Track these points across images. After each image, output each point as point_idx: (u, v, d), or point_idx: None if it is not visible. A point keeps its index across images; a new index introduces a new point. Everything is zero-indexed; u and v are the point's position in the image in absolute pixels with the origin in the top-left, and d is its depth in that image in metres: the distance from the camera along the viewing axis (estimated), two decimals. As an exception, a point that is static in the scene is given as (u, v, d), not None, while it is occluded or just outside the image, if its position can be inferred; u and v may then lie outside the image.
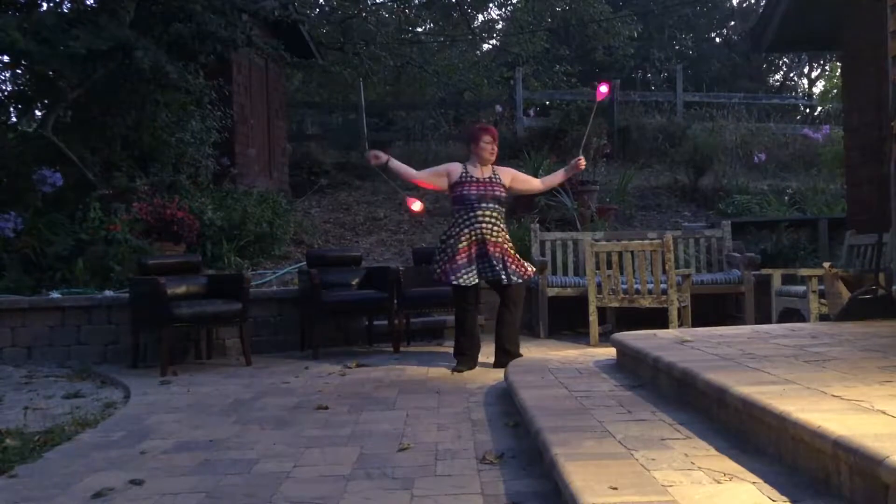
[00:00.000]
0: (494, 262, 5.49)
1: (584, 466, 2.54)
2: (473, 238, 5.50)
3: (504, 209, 5.70)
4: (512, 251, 5.64)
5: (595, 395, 3.80)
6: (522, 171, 6.48)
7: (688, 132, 12.08)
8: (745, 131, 12.40)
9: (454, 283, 5.47)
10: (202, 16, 7.69)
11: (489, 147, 5.63)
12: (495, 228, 5.54)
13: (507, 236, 5.68)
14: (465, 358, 5.57)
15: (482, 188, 5.55)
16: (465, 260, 5.49)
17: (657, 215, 9.99)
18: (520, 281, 5.59)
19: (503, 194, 5.65)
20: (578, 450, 2.76)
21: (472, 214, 5.50)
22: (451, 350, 5.76)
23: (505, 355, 5.51)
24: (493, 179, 5.63)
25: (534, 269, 5.84)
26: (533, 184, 6.02)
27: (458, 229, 5.53)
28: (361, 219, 10.28)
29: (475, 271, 5.50)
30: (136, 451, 3.58)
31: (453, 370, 5.51)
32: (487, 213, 5.52)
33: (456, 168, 5.70)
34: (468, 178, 5.58)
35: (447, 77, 16.13)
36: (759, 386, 2.88)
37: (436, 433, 3.75)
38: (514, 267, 5.56)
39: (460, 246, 5.49)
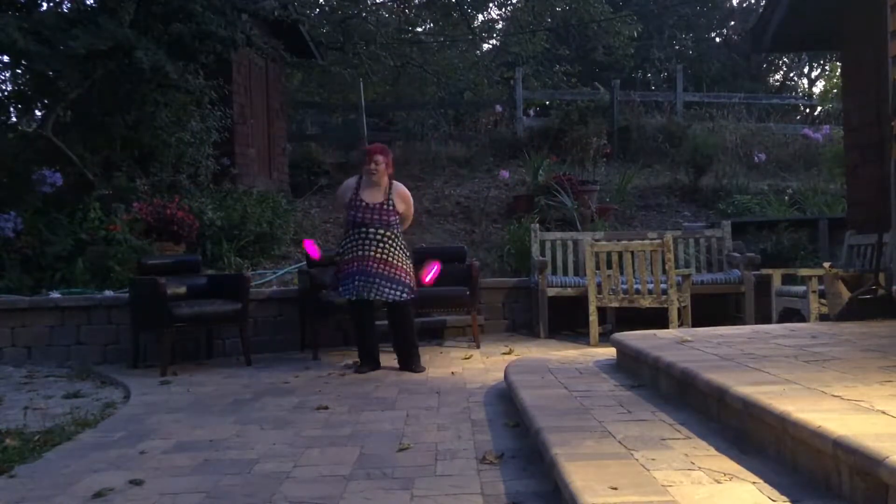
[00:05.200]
0: (376, 280, 5.51)
1: (584, 466, 2.54)
2: (360, 254, 5.54)
3: (396, 231, 5.65)
4: (404, 267, 5.63)
5: (595, 395, 3.80)
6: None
7: (688, 132, 12.05)
8: (745, 131, 12.38)
9: (343, 295, 5.64)
10: (202, 16, 7.68)
11: (373, 168, 5.63)
12: (383, 247, 5.55)
13: (401, 255, 5.65)
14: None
15: (372, 213, 5.58)
16: (349, 273, 5.57)
17: (657, 215, 9.98)
18: (400, 298, 5.59)
19: (395, 219, 5.64)
20: (578, 450, 2.76)
21: (358, 233, 5.57)
22: (451, 350, 5.77)
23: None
24: (385, 206, 5.60)
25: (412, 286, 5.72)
26: (407, 221, 5.88)
27: (347, 247, 5.62)
28: (361, 219, 10.25)
29: (359, 286, 5.54)
30: (135, 451, 3.58)
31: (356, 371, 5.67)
32: (378, 234, 5.56)
33: (348, 188, 5.75)
34: (358, 203, 5.62)
35: (447, 77, 16.10)
36: (759, 386, 2.88)
37: (436, 433, 3.75)
38: (395, 284, 5.57)
39: (346, 258, 5.59)
